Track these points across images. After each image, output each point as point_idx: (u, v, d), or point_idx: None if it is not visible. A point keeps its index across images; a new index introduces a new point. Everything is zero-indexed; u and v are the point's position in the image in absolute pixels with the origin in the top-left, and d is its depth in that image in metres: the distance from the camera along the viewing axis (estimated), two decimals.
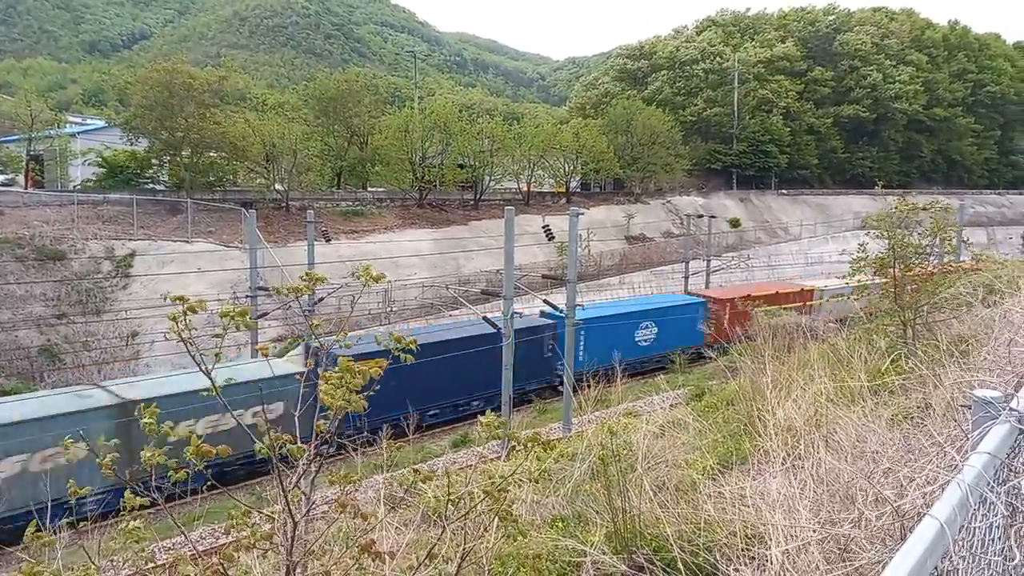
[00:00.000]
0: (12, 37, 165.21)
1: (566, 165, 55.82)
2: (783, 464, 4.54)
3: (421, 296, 37.90)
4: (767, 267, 50.23)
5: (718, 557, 4.05)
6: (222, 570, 3.07)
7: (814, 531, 3.13)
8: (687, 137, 68.43)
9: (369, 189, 51.55)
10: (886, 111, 78.61)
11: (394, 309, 35.66)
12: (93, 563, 3.49)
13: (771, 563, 3.00)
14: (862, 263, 11.21)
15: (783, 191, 72.03)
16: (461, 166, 50.35)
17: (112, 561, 4.51)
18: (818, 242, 60.44)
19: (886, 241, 10.83)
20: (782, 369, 8.07)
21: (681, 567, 4.30)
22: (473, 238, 44.03)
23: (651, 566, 4.42)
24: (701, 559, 4.44)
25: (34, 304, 29.30)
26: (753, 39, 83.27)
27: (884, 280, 10.67)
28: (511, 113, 79.68)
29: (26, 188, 41.12)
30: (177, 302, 3.28)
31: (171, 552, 13.22)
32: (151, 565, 4.20)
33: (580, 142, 54.91)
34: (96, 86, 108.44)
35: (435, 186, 49.76)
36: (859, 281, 11.13)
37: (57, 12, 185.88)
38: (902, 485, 2.36)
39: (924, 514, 1.79)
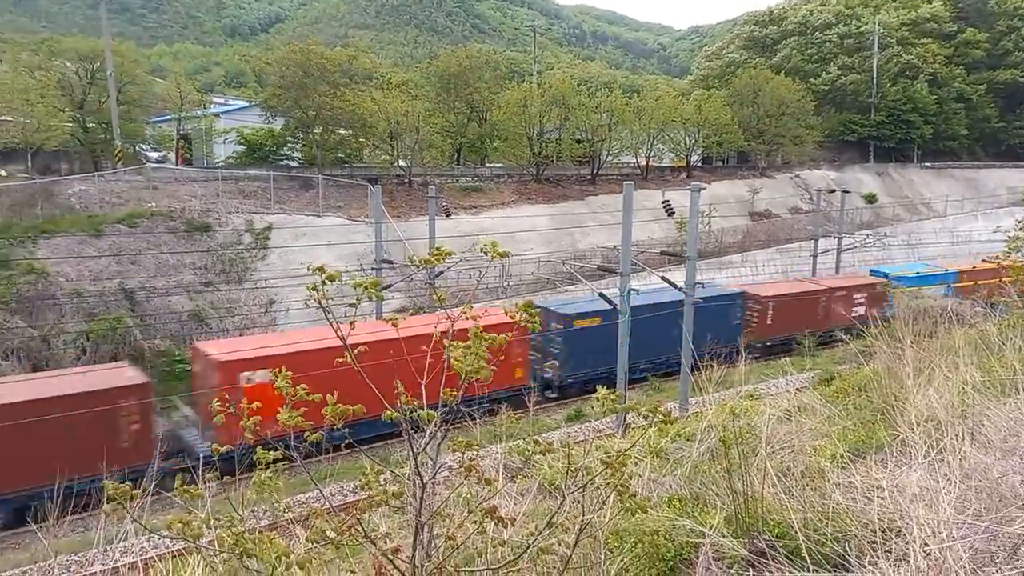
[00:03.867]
0: (163, 23, 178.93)
1: (687, 138, 54.15)
2: (925, 456, 4.27)
3: (537, 271, 38.16)
4: (906, 246, 46.87)
5: (848, 548, 3.88)
6: (357, 523, 3.26)
7: (960, 528, 2.93)
8: (819, 107, 64.65)
9: (487, 165, 52.16)
10: None
11: (511, 283, 36.15)
12: (237, 513, 3.77)
13: (913, 558, 2.83)
14: (1020, 241, 10.27)
15: (927, 164, 66.80)
16: (579, 141, 49.95)
17: (253, 511, 4.84)
18: (965, 219, 55.71)
19: None
20: (922, 355, 7.55)
21: (806, 555, 4.14)
22: (590, 213, 43.71)
23: (773, 552, 4.29)
24: (828, 549, 4.26)
25: (184, 272, 31.86)
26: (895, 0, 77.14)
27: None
28: (630, 86, 77.95)
29: (176, 165, 44.59)
30: (317, 272, 3.50)
31: (304, 506, 14.15)
32: (289, 515, 4.51)
33: (702, 114, 53.04)
34: (237, 68, 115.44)
35: (552, 161, 49.69)
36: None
37: None
38: None
39: None
